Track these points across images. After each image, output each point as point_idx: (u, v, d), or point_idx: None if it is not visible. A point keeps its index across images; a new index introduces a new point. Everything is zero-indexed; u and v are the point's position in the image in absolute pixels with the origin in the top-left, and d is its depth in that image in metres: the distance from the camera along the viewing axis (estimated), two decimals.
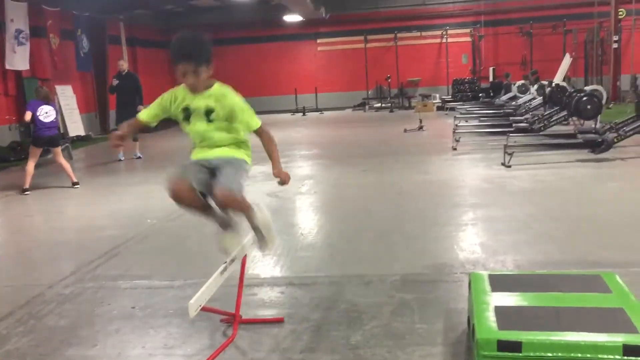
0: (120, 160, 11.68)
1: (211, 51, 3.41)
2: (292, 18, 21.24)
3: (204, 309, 3.07)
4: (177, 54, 3.30)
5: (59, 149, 9.10)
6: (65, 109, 15.28)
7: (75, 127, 15.82)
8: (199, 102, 3.34)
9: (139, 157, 11.86)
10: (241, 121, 3.40)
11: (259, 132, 3.50)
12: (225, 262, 3.33)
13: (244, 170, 3.49)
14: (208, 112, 3.34)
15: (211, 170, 3.40)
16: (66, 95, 15.69)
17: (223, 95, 3.38)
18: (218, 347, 3.37)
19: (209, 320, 3.73)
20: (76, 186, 8.92)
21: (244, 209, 3.50)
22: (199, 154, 3.48)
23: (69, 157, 11.66)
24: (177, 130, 19.32)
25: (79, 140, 15.41)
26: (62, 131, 10.72)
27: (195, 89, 3.33)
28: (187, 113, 3.40)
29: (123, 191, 8.69)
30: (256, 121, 3.46)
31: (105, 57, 18.02)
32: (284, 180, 3.64)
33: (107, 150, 13.30)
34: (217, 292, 3.75)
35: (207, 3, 20.21)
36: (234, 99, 3.41)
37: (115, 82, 11.70)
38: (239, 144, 3.52)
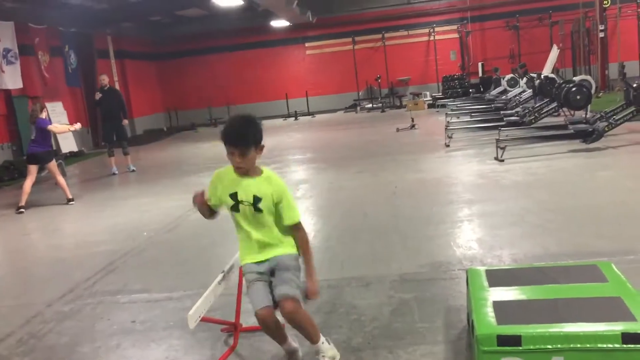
0: (114, 174, 11.66)
1: (260, 133, 3.04)
2: (279, 23, 21.26)
3: (203, 320, 3.08)
4: (226, 138, 2.99)
5: (54, 167, 9.01)
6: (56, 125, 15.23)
7: (68, 143, 15.78)
8: (250, 187, 3.04)
9: (133, 170, 11.85)
10: (286, 210, 3.05)
11: (298, 228, 3.14)
12: (223, 271, 3.33)
13: (300, 270, 3.14)
14: (257, 200, 3.02)
15: (268, 274, 3.10)
16: (57, 111, 15.66)
17: (272, 179, 3.08)
18: (220, 356, 3.37)
19: (210, 331, 3.73)
20: (71, 203, 8.90)
21: (312, 327, 3.12)
22: (252, 256, 3.13)
23: (63, 174, 11.64)
24: (168, 142, 19.40)
25: (72, 156, 15.38)
26: (53, 148, 10.66)
27: (243, 171, 3.05)
28: (235, 199, 3.06)
29: (118, 205, 8.68)
30: (298, 213, 3.11)
31: (94, 72, 17.99)
32: (315, 295, 3.18)
33: (101, 164, 13.29)
34: (217, 302, 3.76)
35: (194, 13, 20.22)
36: (282, 184, 3.10)
37: (98, 95, 11.72)
38: (286, 235, 3.16)
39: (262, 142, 3.04)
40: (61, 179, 9.13)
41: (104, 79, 11.88)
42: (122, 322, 4.11)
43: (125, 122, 11.98)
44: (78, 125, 9.55)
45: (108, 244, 6.38)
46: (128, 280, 5.03)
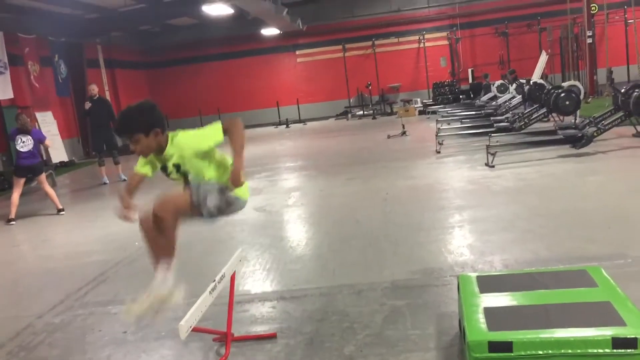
0: (105, 183, 11.62)
1: (147, 119, 3.25)
2: (270, 32, 21.32)
3: (195, 330, 3.07)
4: (117, 130, 3.50)
5: (42, 177, 9.03)
6: (46, 135, 15.15)
7: (58, 153, 15.72)
8: (167, 163, 3.38)
9: (124, 180, 11.80)
10: (209, 143, 3.28)
11: (225, 130, 3.27)
12: (214, 281, 3.33)
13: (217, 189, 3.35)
14: (178, 168, 3.35)
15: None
16: (47, 121, 15.62)
17: (177, 144, 3.31)
18: None
19: (202, 341, 3.72)
20: (62, 213, 8.85)
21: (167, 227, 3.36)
22: None
23: (53, 184, 11.59)
24: None
25: (62, 166, 15.31)
26: (44, 158, 10.64)
27: (145, 154, 3.39)
28: (167, 171, 3.44)
29: (109, 215, 8.56)
30: (218, 128, 3.25)
31: (84, 81, 17.95)
32: (236, 184, 3.23)
33: (92, 174, 13.23)
34: (209, 311, 3.74)
35: (183, 22, 20.26)
36: (186, 137, 3.31)
37: (87, 105, 11.69)
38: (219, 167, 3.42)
39: (157, 127, 3.24)
40: (50, 189, 9.08)
41: (94, 89, 11.86)
42: (114, 333, 4.08)
43: None
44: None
45: (99, 254, 6.35)
46: (119, 291, 5.01)
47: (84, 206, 9.66)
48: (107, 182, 11.65)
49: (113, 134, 11.78)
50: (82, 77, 18.09)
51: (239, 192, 3.36)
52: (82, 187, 11.93)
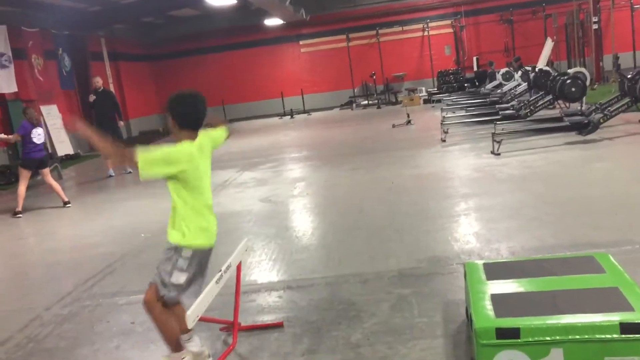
0: (110, 176, 11.64)
1: (169, 106, 3.15)
2: (273, 22, 21.23)
3: (202, 319, 3.07)
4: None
5: (47, 170, 9.08)
6: (52, 128, 15.21)
7: (63, 146, 15.74)
8: None
9: (129, 172, 11.82)
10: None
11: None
12: (221, 271, 3.33)
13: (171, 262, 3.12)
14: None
15: None
16: (52, 114, 15.62)
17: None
18: (219, 356, 3.36)
19: (209, 330, 3.73)
20: (68, 205, 8.88)
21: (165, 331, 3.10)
22: None
23: (59, 177, 11.63)
24: (163, 142, 19.41)
25: (68, 159, 15.34)
26: (49, 151, 10.65)
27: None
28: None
29: (115, 207, 8.67)
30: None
31: (88, 74, 17.94)
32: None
33: (98, 167, 13.26)
34: (216, 302, 3.75)
35: (186, 13, 20.19)
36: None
37: (92, 97, 11.70)
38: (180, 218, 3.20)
39: (182, 121, 3.09)
40: (54, 182, 9.11)
41: (98, 81, 11.85)
42: (121, 324, 4.10)
43: (121, 123, 11.95)
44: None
45: (106, 246, 6.37)
46: (126, 282, 5.03)
47: (90, 199, 9.69)
48: (113, 174, 11.67)
49: (118, 125, 11.79)
50: (86, 70, 18.07)
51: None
52: (88, 180, 11.96)
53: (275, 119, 21.38)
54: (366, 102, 21.83)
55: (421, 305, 3.77)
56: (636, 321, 2.53)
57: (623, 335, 2.53)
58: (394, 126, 13.80)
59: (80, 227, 7.78)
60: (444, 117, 12.10)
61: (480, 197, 6.43)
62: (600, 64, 17.85)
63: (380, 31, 22.45)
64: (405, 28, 22.64)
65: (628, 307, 2.64)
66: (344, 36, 22.66)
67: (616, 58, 16.75)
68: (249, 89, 23.24)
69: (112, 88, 18.56)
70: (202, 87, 20.82)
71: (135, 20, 19.74)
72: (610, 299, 2.75)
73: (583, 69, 12.87)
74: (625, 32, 19.42)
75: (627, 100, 9.40)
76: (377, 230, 5.63)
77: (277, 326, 3.71)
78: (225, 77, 23.27)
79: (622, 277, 2.98)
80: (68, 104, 17.24)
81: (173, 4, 17.84)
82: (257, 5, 17.18)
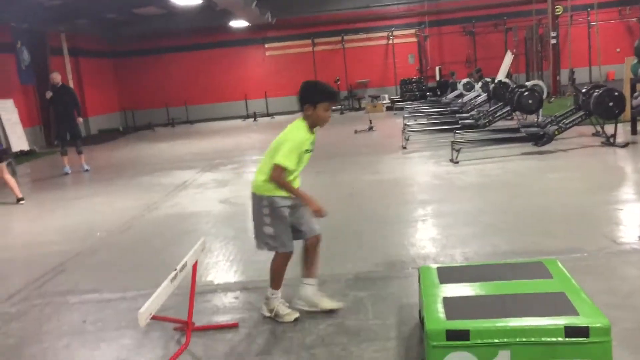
0: (66, 173, 11.39)
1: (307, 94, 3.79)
2: (238, 24, 21.14)
3: (155, 318, 3.04)
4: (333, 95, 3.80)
5: (2, 165, 8.79)
6: (7, 123, 14.79)
7: (19, 141, 15.33)
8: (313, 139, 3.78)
9: (87, 170, 11.60)
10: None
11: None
12: (176, 270, 3.30)
13: None
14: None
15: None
16: (7, 109, 15.20)
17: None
18: (171, 355, 3.33)
19: (163, 330, 3.69)
20: (21, 202, 8.65)
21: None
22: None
23: (13, 173, 11.30)
24: (124, 142, 18.94)
25: (23, 155, 14.95)
26: (4, 146, 10.33)
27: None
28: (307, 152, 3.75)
29: (71, 205, 8.49)
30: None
31: (47, 70, 17.55)
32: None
33: (53, 164, 12.97)
34: (171, 301, 3.73)
35: (151, 11, 19.92)
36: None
37: (49, 94, 11.40)
38: None
39: (313, 103, 3.66)
40: (9, 178, 8.86)
41: (56, 77, 11.57)
42: (72, 323, 4.02)
43: (80, 120, 11.70)
44: None
45: (59, 244, 6.23)
46: (79, 281, 4.93)
47: (45, 196, 9.46)
48: (69, 171, 11.42)
49: (77, 122, 11.55)
50: (45, 65, 17.66)
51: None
52: (43, 177, 11.68)
53: (239, 122, 21.29)
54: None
55: (376, 307, 3.81)
56: (580, 325, 2.61)
57: (567, 339, 2.60)
58: (356, 132, 13.90)
59: (33, 224, 7.60)
60: (405, 124, 12.26)
61: (438, 204, 6.53)
62: (557, 77, 18.37)
63: (346, 37, 22.62)
64: (370, 35, 22.86)
65: (573, 312, 2.72)
66: (309, 41, 22.74)
67: (572, 72, 17.27)
68: (212, 91, 23.08)
69: (71, 84, 18.17)
70: (164, 87, 20.59)
71: (98, 16, 19.36)
72: (556, 304, 2.83)
73: (540, 82, 13.22)
74: (582, 48, 20.05)
75: (581, 113, 9.70)
76: (337, 234, 5.65)
77: (232, 327, 3.69)
78: (189, 78, 23.06)
79: (569, 283, 3.07)
80: (25, 99, 16.82)
81: (137, 1, 17.60)
82: (223, 6, 17.08)
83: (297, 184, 3.72)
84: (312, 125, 3.71)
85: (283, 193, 3.59)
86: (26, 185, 10.66)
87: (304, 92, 3.69)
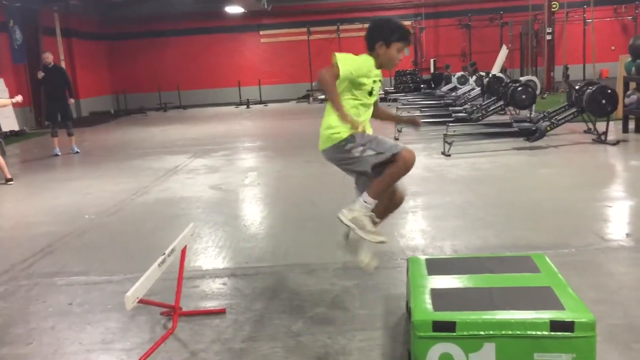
0: (56, 155, 11.31)
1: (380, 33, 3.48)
2: (234, 9, 21.02)
3: (142, 302, 3.03)
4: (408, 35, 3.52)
5: None
6: None
7: (9, 121, 15.18)
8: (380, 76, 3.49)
9: (77, 152, 11.53)
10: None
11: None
12: (164, 254, 3.29)
13: None
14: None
15: None
16: None
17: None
18: (158, 339, 3.33)
19: (150, 314, 3.68)
20: (10, 183, 8.59)
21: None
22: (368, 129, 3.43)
23: (2, 153, 11.20)
24: (115, 125, 18.87)
25: (13, 136, 14.82)
26: None
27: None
28: (373, 87, 3.43)
29: (60, 187, 8.43)
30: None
31: (39, 49, 17.37)
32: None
33: (43, 145, 12.87)
34: (159, 286, 3.72)
35: None
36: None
37: (40, 74, 11.28)
38: None
39: (387, 42, 3.38)
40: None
41: (48, 57, 11.45)
42: (59, 305, 4.00)
43: (71, 101, 11.60)
44: (19, 98, 9.08)
45: (47, 225, 6.19)
46: (67, 263, 4.91)
47: (34, 177, 9.40)
48: (59, 153, 11.34)
49: (68, 103, 11.45)
50: (37, 45, 17.48)
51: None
52: (32, 158, 11.60)
53: (231, 108, 21.19)
54: (323, 96, 21.84)
55: (363, 297, 3.82)
56: (566, 320, 2.63)
57: (553, 333, 2.62)
58: None
59: (22, 205, 7.55)
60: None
61: (429, 196, 6.55)
62: (552, 74, 18.41)
63: (342, 27, 22.53)
64: (366, 25, 22.69)
65: (559, 306, 2.74)
66: (304, 29, 22.64)
67: (566, 69, 17.30)
68: (206, 76, 22.96)
69: (63, 65, 18.00)
70: (157, 71, 20.44)
71: None
72: (543, 298, 2.85)
73: (534, 78, 13.26)
74: (577, 45, 20.09)
75: (573, 110, 9.73)
76: (327, 223, 5.64)
77: (219, 312, 3.69)
78: (182, 63, 22.92)
79: (556, 278, 3.08)
80: (16, 78, 16.66)
81: None
82: None
83: (369, 128, 3.40)
84: (380, 66, 3.40)
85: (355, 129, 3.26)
86: (15, 165, 10.58)
87: (377, 29, 3.38)
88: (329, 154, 3.47)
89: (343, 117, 3.17)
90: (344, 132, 3.31)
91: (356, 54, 3.52)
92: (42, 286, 4.38)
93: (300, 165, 8.97)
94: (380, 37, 3.34)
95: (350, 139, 3.32)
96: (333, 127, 3.33)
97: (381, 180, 3.35)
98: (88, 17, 21.18)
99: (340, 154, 3.38)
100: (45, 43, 17.71)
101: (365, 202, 3.40)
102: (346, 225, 3.41)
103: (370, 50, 3.39)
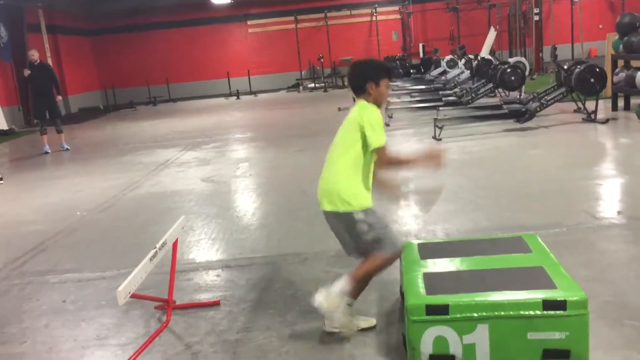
0: (46, 153, 11.24)
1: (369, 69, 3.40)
2: (220, 0, 20.86)
3: (134, 296, 3.02)
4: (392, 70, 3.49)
5: None
6: None
7: None
8: None
9: (67, 149, 11.46)
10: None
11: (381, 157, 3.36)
12: (156, 248, 3.28)
13: None
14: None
15: None
16: None
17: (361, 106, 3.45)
18: (152, 333, 3.32)
19: (144, 309, 3.68)
20: (0, 182, 8.54)
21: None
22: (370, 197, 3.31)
23: None
24: (105, 120, 18.77)
25: (2, 135, 14.72)
26: None
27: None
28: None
29: (50, 185, 8.38)
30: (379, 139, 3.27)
31: (25, 47, 17.19)
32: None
33: (33, 143, 12.79)
34: (152, 280, 3.72)
35: None
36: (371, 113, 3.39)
37: (26, 72, 11.16)
38: None
39: (376, 81, 3.30)
40: None
41: (34, 54, 11.33)
42: (52, 302, 3.99)
43: (59, 98, 11.51)
44: None
45: (39, 223, 6.17)
46: (59, 260, 4.89)
47: (24, 176, 9.34)
48: (49, 151, 11.27)
49: (56, 100, 11.36)
50: (23, 42, 17.30)
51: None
52: (22, 156, 11.52)
53: (221, 100, 21.10)
54: (313, 85, 21.79)
55: None
56: (558, 299, 2.64)
57: (545, 312, 2.63)
58: (340, 109, 13.81)
59: (12, 204, 7.50)
60: (388, 101, 12.22)
61: (420, 181, 6.53)
62: (540, 54, 18.40)
63: (329, 14, 22.42)
64: (353, 12, 22.68)
65: (551, 286, 2.75)
66: (292, 18, 22.50)
67: (554, 49, 17.30)
68: (194, 68, 22.83)
69: (50, 62, 17.86)
70: (145, 65, 20.33)
71: None
72: (535, 278, 2.86)
73: (523, 59, 13.24)
74: (565, 25, 20.06)
75: (562, 90, 9.73)
76: (319, 212, 5.61)
77: (213, 304, 3.69)
78: (170, 55, 22.77)
79: (548, 257, 3.09)
80: (3, 77, 16.52)
81: None
82: None
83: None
84: (374, 104, 3.37)
85: (369, 200, 3.23)
86: (5, 165, 10.51)
87: (364, 72, 3.34)
88: (334, 218, 3.32)
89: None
90: (364, 202, 3.22)
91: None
92: (34, 284, 4.36)
93: (291, 155, 8.95)
94: (369, 77, 3.31)
95: (364, 213, 3.19)
96: (357, 193, 3.23)
97: (359, 274, 3.21)
98: (73, 13, 20.98)
99: (345, 223, 3.26)
100: (30, 40, 17.53)
101: (344, 308, 3.15)
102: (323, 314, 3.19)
103: (361, 92, 3.34)
